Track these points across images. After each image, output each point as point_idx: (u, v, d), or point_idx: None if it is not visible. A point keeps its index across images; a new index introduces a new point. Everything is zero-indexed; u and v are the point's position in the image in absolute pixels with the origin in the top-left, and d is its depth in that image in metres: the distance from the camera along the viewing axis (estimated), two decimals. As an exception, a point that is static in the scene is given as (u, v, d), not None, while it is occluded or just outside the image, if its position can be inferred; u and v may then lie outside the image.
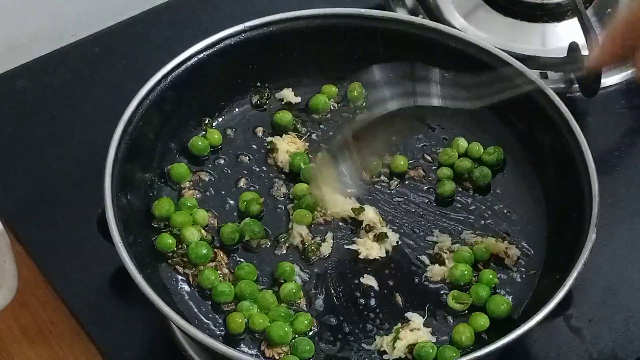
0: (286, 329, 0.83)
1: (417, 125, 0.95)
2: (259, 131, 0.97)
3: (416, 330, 0.84)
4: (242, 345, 0.84)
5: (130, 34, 1.11)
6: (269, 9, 1.00)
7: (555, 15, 1.09)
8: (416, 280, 0.88)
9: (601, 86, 1.00)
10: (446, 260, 0.88)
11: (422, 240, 0.90)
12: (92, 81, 1.07)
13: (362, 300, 0.87)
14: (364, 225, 0.90)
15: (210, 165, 0.95)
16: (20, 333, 0.93)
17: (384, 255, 0.89)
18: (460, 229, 0.91)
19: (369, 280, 0.88)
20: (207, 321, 0.85)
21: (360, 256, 0.89)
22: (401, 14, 1.02)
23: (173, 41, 1.08)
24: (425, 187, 0.94)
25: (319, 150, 0.95)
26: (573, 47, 1.02)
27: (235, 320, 0.84)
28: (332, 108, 0.99)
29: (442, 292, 0.87)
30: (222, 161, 0.95)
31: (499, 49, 0.94)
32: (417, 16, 1.06)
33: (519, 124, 0.94)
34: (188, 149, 0.95)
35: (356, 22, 0.97)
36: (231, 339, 0.84)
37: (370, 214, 0.90)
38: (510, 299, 0.86)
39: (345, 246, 0.90)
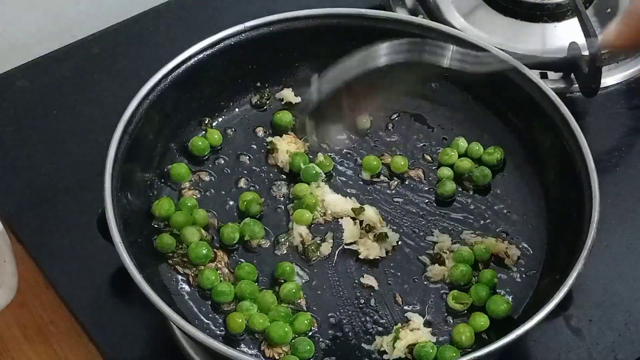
0: (286, 329, 0.83)
1: (415, 85, 0.92)
2: (259, 131, 0.97)
3: (416, 330, 0.84)
4: (242, 345, 0.84)
5: (130, 34, 1.11)
6: (269, 9, 1.00)
7: (555, 15, 1.09)
8: (416, 280, 0.88)
9: (601, 86, 1.00)
10: (446, 260, 0.88)
11: (422, 240, 0.90)
12: (92, 81, 1.07)
13: (362, 300, 0.87)
14: (364, 225, 0.90)
15: (210, 165, 0.95)
16: (20, 333, 0.93)
17: (384, 255, 0.89)
18: (460, 229, 0.91)
19: (369, 280, 0.88)
20: (207, 321, 0.85)
21: (360, 256, 0.89)
22: (401, 14, 1.02)
23: (173, 41, 1.08)
24: (425, 187, 0.94)
25: (319, 150, 0.95)
26: (573, 47, 1.02)
27: (235, 320, 0.84)
28: (332, 108, 0.99)
29: (442, 292, 0.87)
30: (222, 161, 0.95)
31: (499, 49, 0.94)
32: (417, 16, 1.06)
33: (519, 124, 0.94)
34: (188, 149, 0.95)
35: (356, 22, 0.97)
36: (231, 339, 0.84)
37: (370, 214, 0.90)
38: (510, 299, 0.86)
39: (345, 246, 0.90)
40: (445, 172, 0.94)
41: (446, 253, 0.89)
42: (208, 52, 0.94)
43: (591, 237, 0.81)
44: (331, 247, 0.89)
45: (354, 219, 0.90)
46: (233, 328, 0.84)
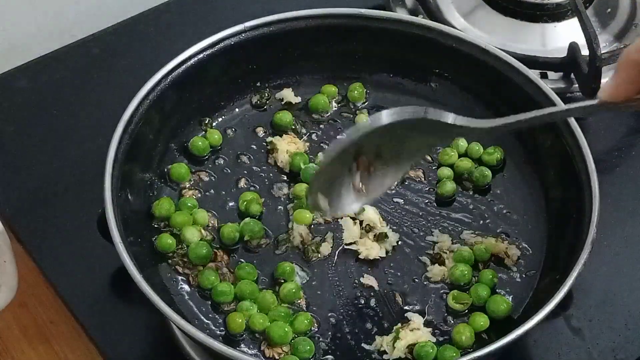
0: (286, 329, 0.83)
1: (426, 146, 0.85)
2: (259, 131, 0.97)
3: (416, 330, 0.83)
4: (242, 345, 0.84)
5: (130, 34, 1.11)
6: (269, 9, 1.00)
7: (555, 15, 1.09)
8: (416, 280, 0.88)
9: (601, 86, 1.00)
10: (446, 260, 0.88)
11: (422, 240, 0.90)
12: (92, 81, 1.07)
13: (362, 300, 0.87)
14: (364, 225, 0.90)
15: (210, 165, 0.95)
16: (20, 333, 0.93)
17: (384, 255, 0.89)
18: (460, 229, 0.91)
19: (369, 280, 0.88)
20: (207, 321, 0.85)
21: (360, 256, 0.89)
22: (401, 14, 1.02)
23: (173, 41, 1.08)
24: (426, 187, 0.94)
25: (319, 150, 0.95)
26: (573, 47, 1.02)
27: (235, 320, 0.84)
28: (333, 108, 0.99)
29: (442, 292, 0.87)
30: (222, 161, 0.95)
31: (499, 49, 0.94)
32: (417, 16, 1.06)
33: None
34: (188, 149, 0.95)
35: (356, 22, 0.97)
36: (231, 339, 0.84)
37: (370, 214, 0.90)
38: (510, 299, 0.86)
39: (345, 246, 0.90)
40: (445, 172, 0.94)
41: (446, 253, 0.89)
42: (208, 52, 0.94)
43: (591, 237, 0.81)
44: (331, 247, 0.89)
45: (353, 219, 0.90)
46: (233, 328, 0.84)
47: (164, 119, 0.92)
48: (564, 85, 1.04)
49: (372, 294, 0.87)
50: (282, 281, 0.87)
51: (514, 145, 0.95)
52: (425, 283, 0.88)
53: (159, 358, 0.89)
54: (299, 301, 0.86)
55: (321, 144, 0.96)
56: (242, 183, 0.94)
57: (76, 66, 1.08)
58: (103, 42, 1.10)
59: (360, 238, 0.90)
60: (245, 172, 0.94)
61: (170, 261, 0.88)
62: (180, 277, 0.87)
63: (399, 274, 0.88)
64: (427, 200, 0.93)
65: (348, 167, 0.80)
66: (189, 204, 0.90)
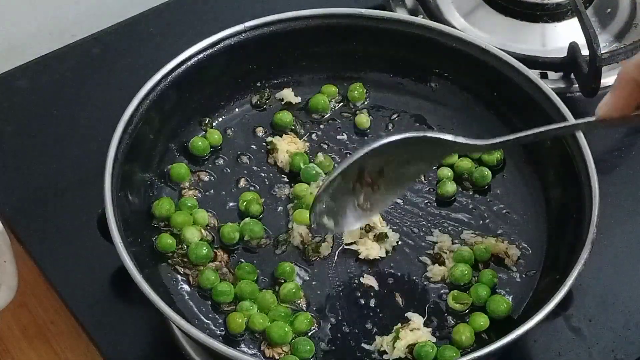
0: (286, 329, 0.83)
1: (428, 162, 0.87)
2: (259, 131, 0.97)
3: (416, 330, 0.83)
4: (242, 345, 0.84)
5: (130, 34, 1.11)
6: (269, 9, 1.00)
7: (555, 15, 1.09)
8: (416, 280, 0.88)
9: (601, 86, 1.00)
10: (446, 260, 0.88)
11: (422, 240, 0.90)
12: (92, 81, 1.07)
13: (362, 300, 0.87)
14: (364, 225, 0.90)
15: (210, 165, 0.95)
16: (20, 333, 0.93)
17: (384, 255, 0.89)
18: (460, 229, 0.91)
19: (369, 280, 0.88)
20: (207, 321, 0.85)
21: (360, 256, 0.89)
22: (401, 14, 1.02)
23: (173, 41, 1.08)
24: (426, 188, 0.94)
25: (319, 150, 0.95)
26: (573, 47, 1.02)
27: (235, 320, 0.84)
28: (332, 108, 0.99)
29: (442, 292, 0.87)
30: (222, 161, 0.95)
31: (499, 49, 0.94)
32: (417, 16, 1.06)
33: (519, 124, 0.94)
34: (188, 149, 0.95)
35: (356, 22, 0.97)
36: (231, 339, 0.84)
37: (370, 214, 0.90)
38: (510, 299, 0.86)
39: (345, 246, 0.90)
40: (445, 172, 0.94)
41: (446, 253, 0.89)
42: (208, 52, 0.94)
43: (591, 237, 0.81)
44: (331, 247, 0.89)
45: (354, 219, 0.90)
46: (233, 328, 0.84)
47: (164, 119, 0.92)
48: (564, 85, 1.04)
49: (372, 294, 0.87)
50: (282, 281, 0.87)
51: (514, 145, 0.95)
52: (425, 283, 0.88)
53: (159, 358, 0.89)
54: (299, 301, 0.86)
55: (321, 144, 0.96)
56: (242, 183, 0.94)
57: (76, 66, 1.08)
58: (103, 42, 1.10)
59: (360, 238, 0.90)
60: (245, 172, 0.94)
61: (170, 261, 0.88)
62: (180, 277, 0.87)
63: (399, 274, 0.88)
64: (427, 200, 0.93)
65: (351, 187, 0.83)
66: (189, 204, 0.90)
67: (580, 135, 0.87)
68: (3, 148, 1.01)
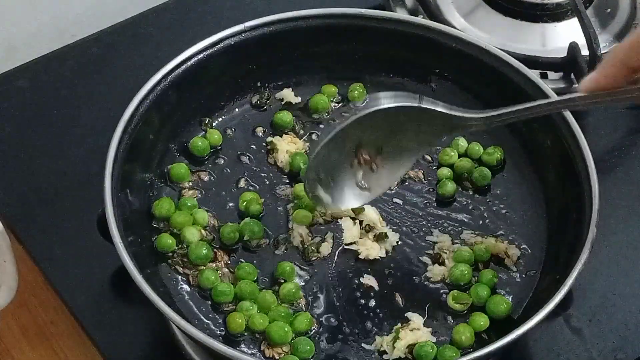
0: (286, 329, 0.83)
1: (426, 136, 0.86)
2: (259, 131, 0.97)
3: (416, 330, 0.84)
4: (242, 345, 0.84)
5: (130, 34, 1.11)
6: (269, 9, 1.01)
7: (555, 15, 1.09)
8: (416, 280, 0.88)
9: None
10: (446, 260, 0.88)
11: (422, 240, 0.90)
12: (92, 81, 1.07)
13: (362, 300, 0.87)
14: (363, 225, 0.90)
15: (210, 165, 0.95)
16: (20, 333, 0.93)
17: (384, 255, 0.89)
18: (460, 229, 0.91)
19: (369, 280, 0.88)
20: (207, 321, 0.85)
21: (360, 256, 0.89)
22: (401, 14, 1.02)
23: (173, 41, 1.08)
24: (426, 188, 0.94)
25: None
26: (573, 47, 1.02)
27: (235, 320, 0.84)
28: (332, 108, 0.99)
29: (442, 292, 0.87)
30: (222, 161, 0.95)
31: (499, 49, 0.94)
32: (417, 16, 1.06)
33: (519, 124, 0.94)
34: (188, 149, 0.95)
35: (356, 22, 0.97)
36: (231, 339, 0.84)
37: (370, 214, 0.90)
38: (510, 299, 0.86)
39: (345, 246, 0.90)
40: (445, 172, 0.94)
41: (446, 253, 0.89)
42: (208, 52, 0.94)
43: (591, 237, 0.81)
44: (331, 247, 0.89)
45: (353, 219, 0.90)
46: (233, 328, 0.84)
47: (164, 119, 0.92)
48: (564, 85, 1.04)
49: (372, 294, 0.87)
50: (282, 281, 0.87)
51: (514, 145, 0.95)
52: (425, 283, 0.88)
53: (159, 358, 0.89)
54: (299, 301, 0.86)
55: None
56: (242, 183, 0.94)
57: (76, 66, 1.08)
58: (103, 42, 1.10)
59: (360, 238, 0.90)
60: (245, 172, 0.94)
61: (170, 261, 0.88)
62: (180, 277, 0.87)
63: (399, 274, 0.88)
64: (427, 200, 0.93)
65: (349, 161, 0.82)
66: (189, 204, 0.90)
67: (580, 135, 0.87)
68: (3, 148, 1.01)
